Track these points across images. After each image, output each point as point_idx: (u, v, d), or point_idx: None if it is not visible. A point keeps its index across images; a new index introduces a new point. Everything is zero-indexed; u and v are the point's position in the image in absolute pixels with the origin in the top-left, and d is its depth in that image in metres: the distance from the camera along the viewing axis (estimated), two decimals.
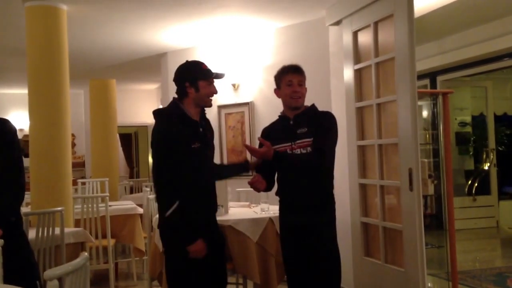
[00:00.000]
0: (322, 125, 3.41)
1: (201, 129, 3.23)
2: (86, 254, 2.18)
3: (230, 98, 6.85)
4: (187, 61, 3.34)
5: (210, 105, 3.30)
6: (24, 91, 5.61)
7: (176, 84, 3.29)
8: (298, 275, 3.47)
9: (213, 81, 3.27)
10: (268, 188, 3.54)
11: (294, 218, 3.45)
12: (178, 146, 3.07)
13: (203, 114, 3.30)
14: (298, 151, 3.36)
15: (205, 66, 3.29)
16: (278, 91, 3.58)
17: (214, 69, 3.33)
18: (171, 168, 3.06)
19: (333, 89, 5.75)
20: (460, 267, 5.53)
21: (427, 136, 8.80)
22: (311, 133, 3.36)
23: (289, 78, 3.48)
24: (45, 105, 5.25)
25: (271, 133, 3.55)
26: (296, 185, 3.40)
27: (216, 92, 3.26)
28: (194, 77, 3.21)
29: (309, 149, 3.32)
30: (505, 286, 5.82)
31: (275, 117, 5.38)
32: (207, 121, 3.35)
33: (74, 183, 7.78)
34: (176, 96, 3.30)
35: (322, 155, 3.34)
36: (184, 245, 3.09)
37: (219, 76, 3.31)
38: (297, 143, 3.36)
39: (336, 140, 3.51)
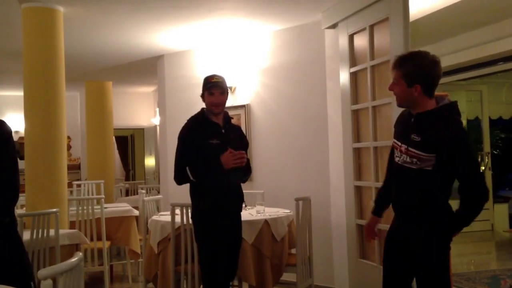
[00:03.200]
0: (448, 152, 2.78)
1: (223, 130, 3.82)
2: (80, 254, 2.18)
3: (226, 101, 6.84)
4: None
5: (215, 113, 3.81)
6: (20, 93, 5.60)
7: None
8: None
9: (214, 92, 3.77)
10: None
11: None
12: (194, 140, 3.76)
13: (226, 121, 3.89)
14: (403, 156, 2.91)
15: (211, 78, 3.83)
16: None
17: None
18: (180, 157, 3.78)
19: (329, 92, 5.76)
20: (455, 269, 5.56)
21: None
22: (423, 147, 2.82)
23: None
24: (40, 107, 5.24)
25: (400, 123, 3.09)
26: None
27: (216, 101, 3.77)
28: (202, 89, 3.85)
29: (415, 160, 2.84)
30: None
31: (271, 120, 5.39)
32: (233, 129, 3.97)
33: (70, 185, 7.76)
34: None
35: (479, 187, 2.81)
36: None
37: (216, 84, 3.80)
38: (409, 150, 2.87)
39: (474, 161, 2.89)
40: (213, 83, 3.79)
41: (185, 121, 3.91)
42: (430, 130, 2.81)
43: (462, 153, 2.77)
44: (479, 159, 9.92)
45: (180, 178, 3.79)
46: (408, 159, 2.88)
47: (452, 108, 2.90)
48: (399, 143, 2.96)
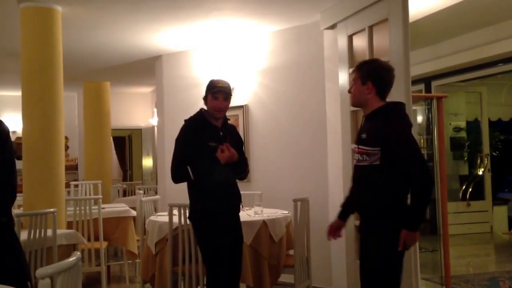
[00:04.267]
0: (389, 145, 2.99)
1: (221, 133, 3.84)
2: (78, 253, 2.16)
3: None
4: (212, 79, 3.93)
5: (217, 117, 3.84)
6: (18, 93, 5.58)
7: None
8: None
9: (219, 97, 3.79)
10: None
11: None
12: (192, 142, 3.76)
13: (224, 123, 3.91)
14: (356, 156, 3.16)
15: (217, 83, 3.84)
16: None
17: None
18: (181, 156, 3.78)
19: (328, 93, 5.74)
20: (453, 271, 5.53)
21: (422, 141, 8.81)
22: (369, 142, 3.05)
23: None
24: (38, 107, 5.23)
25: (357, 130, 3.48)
26: None
27: (219, 106, 3.80)
28: (206, 92, 3.87)
29: (365, 157, 3.06)
30: None
31: (269, 120, 5.41)
32: (230, 130, 3.97)
33: (67, 185, 7.73)
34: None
35: (419, 178, 2.96)
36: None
37: (222, 89, 3.82)
38: (360, 148, 3.12)
39: (419, 159, 3.01)
40: (218, 88, 3.80)
41: (183, 122, 3.91)
42: (373, 125, 3.08)
43: (400, 145, 2.97)
44: (478, 161, 9.92)
45: (179, 177, 3.80)
46: (360, 157, 3.11)
47: (396, 106, 3.18)
48: (354, 146, 3.24)
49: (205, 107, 3.92)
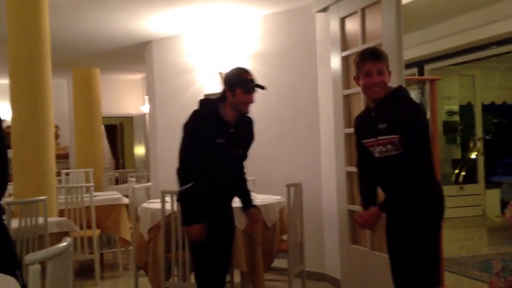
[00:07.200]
0: (403, 126, 2.93)
1: (232, 130, 3.54)
2: (69, 239, 2.11)
3: (216, 87, 6.76)
4: (236, 67, 3.66)
5: (246, 112, 3.60)
6: (5, 81, 5.51)
7: (223, 85, 3.60)
8: None
9: (251, 90, 3.53)
10: None
11: None
12: (200, 138, 3.44)
13: (240, 117, 3.60)
14: (378, 148, 3.04)
15: (246, 75, 3.55)
16: (357, 80, 3.16)
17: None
18: (190, 154, 3.47)
19: (320, 77, 5.70)
20: (446, 254, 5.55)
21: None
22: (391, 130, 2.95)
23: (367, 68, 3.04)
24: (26, 95, 5.14)
25: (361, 125, 3.26)
26: None
27: (251, 102, 3.56)
28: (232, 84, 3.51)
29: (389, 146, 2.96)
30: (491, 272, 5.82)
31: (261, 106, 5.33)
32: (245, 124, 3.69)
33: (58, 174, 7.68)
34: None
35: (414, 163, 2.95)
36: (183, 223, 3.57)
37: (259, 87, 3.56)
38: (379, 139, 3.01)
39: (424, 133, 3.01)
40: (252, 82, 3.53)
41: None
42: (392, 112, 2.95)
43: (420, 128, 2.94)
44: (471, 145, 9.94)
45: (184, 181, 3.50)
46: (383, 148, 2.99)
47: (403, 89, 3.16)
48: (370, 140, 3.09)
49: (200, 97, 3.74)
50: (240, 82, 3.51)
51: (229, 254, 3.84)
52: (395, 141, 2.91)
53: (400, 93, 3.06)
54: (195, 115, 3.53)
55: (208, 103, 3.62)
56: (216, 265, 3.62)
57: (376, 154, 3.07)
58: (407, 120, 2.90)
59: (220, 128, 3.52)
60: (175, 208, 4.31)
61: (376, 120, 3.02)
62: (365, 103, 3.43)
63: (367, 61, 3.03)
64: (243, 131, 3.67)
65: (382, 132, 2.96)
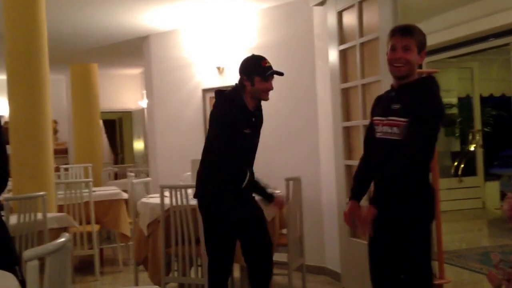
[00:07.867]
0: (416, 111, 2.81)
1: (253, 119, 3.55)
2: (67, 234, 2.11)
3: (215, 82, 6.76)
4: (252, 55, 3.62)
5: (266, 99, 3.56)
6: (3, 76, 5.50)
7: (239, 74, 3.57)
8: None
9: (270, 78, 3.49)
10: None
11: None
12: (233, 127, 3.45)
13: (258, 105, 3.60)
14: (384, 128, 2.91)
15: (265, 62, 3.50)
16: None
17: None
18: (225, 142, 3.48)
19: (318, 71, 5.69)
20: (446, 247, 5.55)
21: None
22: (403, 112, 2.84)
23: (393, 42, 2.89)
24: (24, 91, 5.14)
25: (378, 103, 3.14)
26: None
27: (271, 89, 3.51)
28: (250, 72, 3.48)
29: (395, 129, 2.85)
30: (491, 265, 5.83)
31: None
32: (260, 112, 3.65)
33: (57, 169, 7.68)
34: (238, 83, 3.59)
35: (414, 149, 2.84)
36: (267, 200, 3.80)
37: (277, 73, 3.52)
38: (390, 119, 2.88)
39: (432, 126, 2.88)
40: (271, 70, 3.50)
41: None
42: (410, 97, 2.84)
43: (430, 118, 2.81)
44: (470, 137, 9.93)
45: (236, 174, 3.63)
46: (389, 130, 2.88)
47: (433, 79, 3.01)
48: (381, 118, 2.96)
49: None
50: (258, 70, 3.48)
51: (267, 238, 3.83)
52: (402, 125, 2.81)
53: (427, 83, 2.94)
54: (227, 109, 3.49)
55: (235, 94, 3.56)
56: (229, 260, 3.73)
57: (378, 134, 2.96)
58: (422, 107, 2.79)
59: (246, 117, 3.53)
60: (174, 202, 4.31)
61: (393, 100, 2.92)
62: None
63: (394, 35, 2.90)
64: (259, 120, 3.67)
65: (394, 113, 2.86)
